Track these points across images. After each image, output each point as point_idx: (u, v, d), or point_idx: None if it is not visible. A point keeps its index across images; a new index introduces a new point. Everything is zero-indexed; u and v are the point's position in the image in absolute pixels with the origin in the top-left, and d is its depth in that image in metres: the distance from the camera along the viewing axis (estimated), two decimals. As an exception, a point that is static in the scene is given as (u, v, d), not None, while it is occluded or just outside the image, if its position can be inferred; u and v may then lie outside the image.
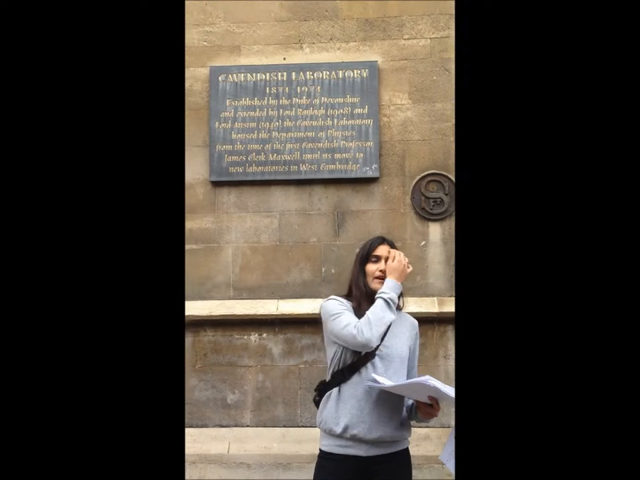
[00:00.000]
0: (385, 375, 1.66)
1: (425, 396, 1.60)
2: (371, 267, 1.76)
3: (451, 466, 1.62)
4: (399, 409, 1.70)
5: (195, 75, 3.05)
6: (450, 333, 2.66)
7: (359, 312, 1.72)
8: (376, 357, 1.68)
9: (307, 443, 2.69)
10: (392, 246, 1.82)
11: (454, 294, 2.83)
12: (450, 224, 2.88)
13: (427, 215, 2.88)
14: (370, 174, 2.92)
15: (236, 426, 2.84)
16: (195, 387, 2.87)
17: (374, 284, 1.75)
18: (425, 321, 2.73)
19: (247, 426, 2.85)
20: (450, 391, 1.52)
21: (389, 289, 1.70)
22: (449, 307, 2.71)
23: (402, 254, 1.74)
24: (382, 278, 1.73)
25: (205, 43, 3.07)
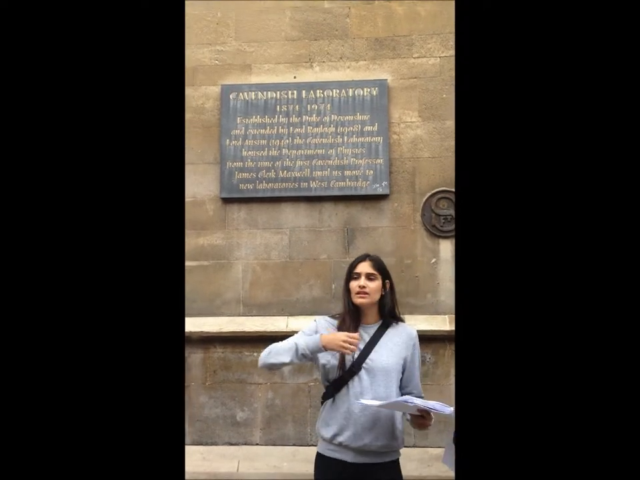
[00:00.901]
0: (371, 387, 1.79)
1: (414, 409, 1.70)
2: (353, 284, 1.89)
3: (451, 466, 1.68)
4: (387, 420, 1.79)
5: (206, 93, 3.09)
6: (461, 352, 2.64)
7: (343, 327, 1.86)
8: (362, 369, 1.81)
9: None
10: (378, 263, 1.93)
11: (465, 312, 2.81)
12: (461, 241, 2.87)
13: (437, 232, 2.87)
14: (380, 191, 2.93)
15: (245, 444, 2.82)
16: (205, 404, 2.86)
17: (355, 299, 1.88)
18: (436, 339, 2.72)
19: (257, 444, 2.83)
20: (435, 405, 1.65)
21: (309, 340, 1.81)
22: (460, 324, 2.69)
23: (351, 335, 1.75)
24: (362, 293, 1.85)
25: (217, 61, 3.11)
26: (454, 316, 2.78)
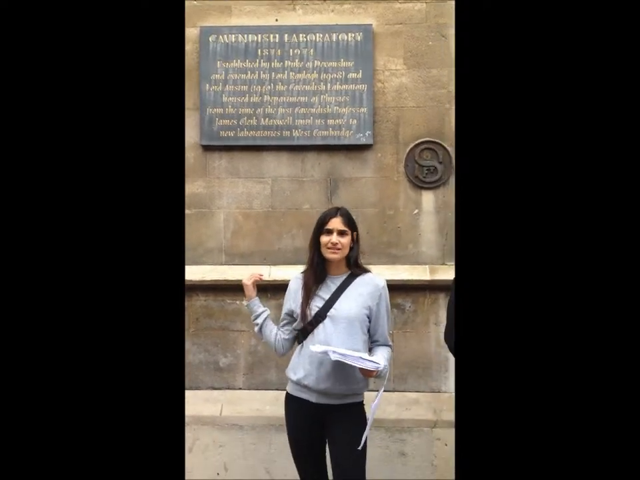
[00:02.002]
0: (334, 335, 1.89)
1: (338, 359, 1.80)
2: (324, 239, 1.95)
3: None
4: (351, 367, 1.87)
5: (185, 36, 2.96)
6: (441, 301, 2.71)
7: (309, 282, 1.96)
8: (327, 318, 1.92)
9: (299, 405, 2.75)
10: (348, 218, 1.98)
11: (445, 262, 2.86)
12: (443, 192, 2.88)
13: (420, 183, 2.87)
14: (363, 141, 2.90)
15: (228, 388, 2.89)
16: (189, 351, 2.90)
17: (327, 254, 1.95)
18: (416, 288, 2.78)
19: (240, 389, 2.90)
20: (356, 361, 1.76)
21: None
22: (441, 274, 2.74)
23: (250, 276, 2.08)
24: (334, 249, 1.92)
25: (195, 2, 2.97)
26: (434, 266, 2.84)
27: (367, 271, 2.02)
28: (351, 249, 1.98)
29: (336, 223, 1.95)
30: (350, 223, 1.98)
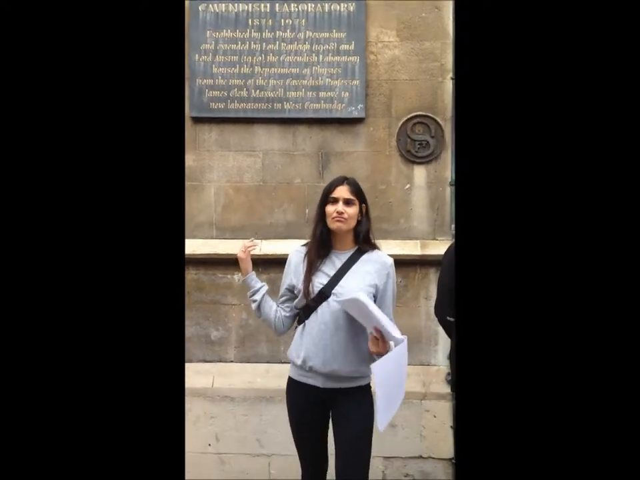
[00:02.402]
0: (340, 313, 1.77)
1: (371, 325, 1.67)
2: (329, 208, 1.83)
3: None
4: (356, 346, 1.80)
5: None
6: (432, 276, 2.72)
7: (311, 254, 1.84)
8: (332, 296, 1.79)
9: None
10: (356, 187, 1.85)
11: (436, 237, 2.87)
12: (435, 167, 2.87)
13: (412, 158, 2.86)
14: (355, 114, 2.87)
15: (220, 361, 2.91)
16: (179, 325, 2.91)
17: (332, 223, 1.82)
18: (407, 263, 2.79)
19: (231, 361, 2.92)
20: (380, 316, 1.60)
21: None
22: (431, 249, 2.75)
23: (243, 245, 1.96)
24: (340, 219, 1.79)
25: (184, -32, 2.88)
26: (425, 241, 2.85)
27: (375, 247, 1.89)
28: (359, 222, 1.84)
29: (342, 191, 1.82)
30: (358, 193, 1.84)
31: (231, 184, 2.95)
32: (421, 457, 2.73)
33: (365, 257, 1.85)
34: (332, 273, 1.82)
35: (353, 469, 1.83)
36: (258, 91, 2.90)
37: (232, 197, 2.95)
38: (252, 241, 2.05)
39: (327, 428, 1.92)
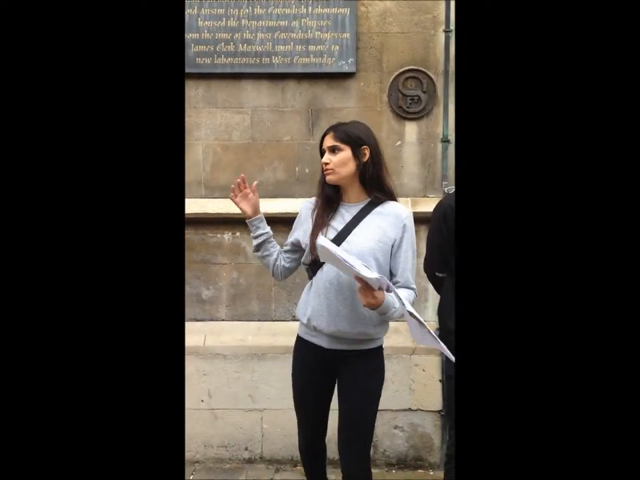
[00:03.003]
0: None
1: (351, 275, 1.55)
2: (322, 160, 1.74)
3: (428, 342, 1.55)
4: (362, 306, 1.65)
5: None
6: (422, 233, 2.71)
7: (317, 215, 1.74)
8: None
9: (281, 335, 2.81)
10: (343, 132, 1.70)
11: (427, 194, 2.85)
12: (427, 123, 2.83)
13: (403, 114, 2.81)
14: (346, 69, 2.80)
15: (211, 320, 2.93)
16: (170, 284, 2.91)
17: (325, 176, 1.74)
18: (397, 220, 2.78)
19: (222, 320, 2.94)
20: (348, 257, 1.46)
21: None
22: (422, 207, 2.74)
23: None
24: (326, 170, 1.71)
25: None
26: (416, 198, 2.83)
27: (391, 198, 1.73)
28: (363, 167, 1.69)
29: (328, 140, 1.70)
30: (345, 137, 1.68)
31: (219, 142, 2.90)
32: (410, 409, 2.79)
33: (378, 209, 1.70)
34: (340, 227, 1.70)
35: (354, 440, 1.75)
36: (245, 44, 2.81)
37: (220, 155, 2.90)
38: (241, 178, 1.86)
39: (331, 395, 1.84)
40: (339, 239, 1.67)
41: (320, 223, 1.72)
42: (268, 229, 1.88)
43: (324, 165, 1.71)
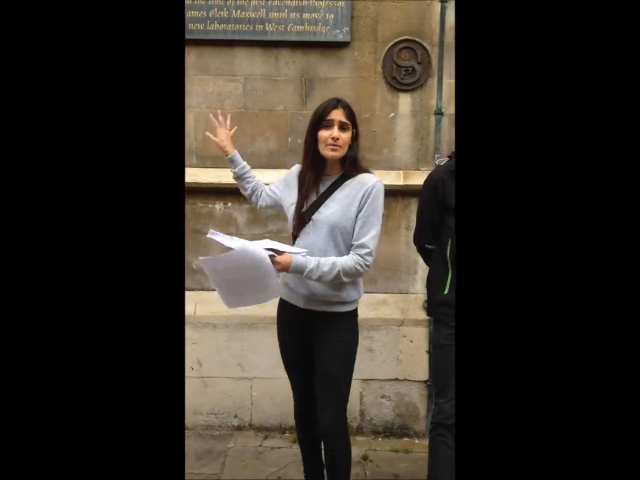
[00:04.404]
0: (315, 241, 1.76)
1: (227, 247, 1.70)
2: (323, 134, 1.72)
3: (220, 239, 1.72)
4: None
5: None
6: (413, 206, 2.72)
7: (304, 178, 1.79)
8: (311, 222, 1.77)
9: (271, 305, 2.77)
10: (351, 111, 1.75)
11: (419, 167, 2.85)
12: (420, 95, 2.81)
13: (397, 85, 2.78)
14: (340, 38, 2.76)
15: (202, 289, 2.93)
16: (161, 253, 2.91)
17: (325, 151, 1.73)
18: (389, 193, 2.75)
19: (213, 290, 2.94)
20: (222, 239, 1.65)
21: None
22: (414, 179, 2.74)
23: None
24: (334, 146, 1.70)
25: None
26: (408, 171, 2.83)
27: (364, 171, 1.79)
28: (350, 147, 1.75)
29: (337, 114, 1.71)
30: (351, 117, 1.74)
31: (211, 110, 2.85)
32: (397, 379, 2.84)
33: (349, 181, 1.77)
34: (314, 198, 1.78)
35: (326, 404, 1.83)
36: (239, 11, 2.76)
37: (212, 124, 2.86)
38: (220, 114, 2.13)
39: (311, 357, 1.88)
40: (312, 210, 1.78)
41: (307, 195, 1.81)
42: (244, 163, 2.09)
43: (333, 140, 1.70)
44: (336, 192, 1.77)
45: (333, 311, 1.81)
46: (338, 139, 1.70)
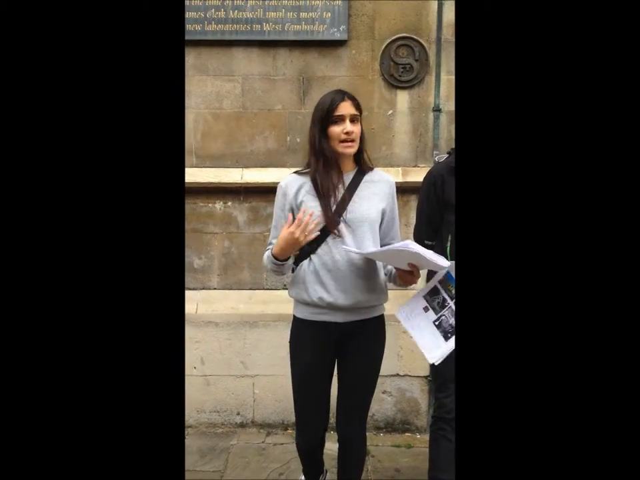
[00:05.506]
0: (353, 241, 1.64)
1: (405, 263, 1.57)
2: (335, 130, 1.62)
3: (407, 325, 1.70)
4: (373, 273, 1.69)
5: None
6: (412, 203, 2.73)
7: (320, 189, 1.64)
8: (341, 223, 1.64)
9: (272, 303, 2.85)
10: (357, 101, 1.67)
11: (418, 164, 2.86)
12: (418, 92, 2.82)
13: (395, 82, 2.79)
14: (338, 36, 2.77)
15: (203, 288, 2.95)
16: (162, 253, 2.92)
17: (340, 148, 1.64)
18: (388, 190, 2.79)
19: (214, 289, 2.96)
20: (432, 256, 1.51)
21: (267, 259, 1.69)
22: (413, 176, 2.75)
23: (298, 219, 1.55)
24: (349, 141, 1.63)
25: None
26: (407, 168, 2.84)
27: (371, 166, 1.76)
28: (361, 139, 1.68)
29: (347, 108, 1.61)
30: (359, 107, 1.66)
31: (209, 110, 2.88)
32: (398, 374, 2.86)
33: (367, 177, 1.71)
34: (338, 196, 1.66)
35: (356, 407, 1.80)
36: (236, 11, 2.77)
37: (211, 124, 2.89)
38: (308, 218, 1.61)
39: (332, 373, 1.81)
40: (339, 209, 1.65)
41: (330, 195, 1.66)
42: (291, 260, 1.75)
43: (346, 135, 1.61)
44: (360, 189, 1.69)
45: (371, 317, 1.75)
46: (351, 132, 1.62)
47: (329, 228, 1.64)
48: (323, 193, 1.64)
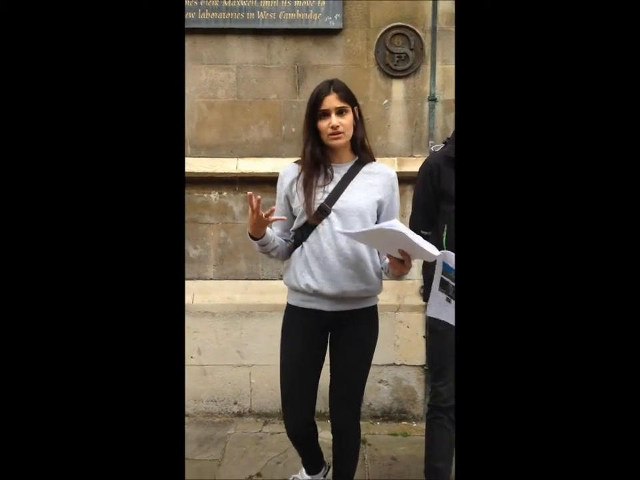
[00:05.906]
0: (344, 230, 1.63)
1: (395, 249, 1.55)
2: (322, 124, 1.64)
3: (445, 317, 1.62)
4: (362, 264, 1.69)
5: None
6: (408, 193, 2.73)
7: (304, 175, 1.67)
8: (332, 212, 1.66)
9: (268, 294, 2.86)
10: (345, 91, 1.66)
11: (414, 154, 2.86)
12: (414, 81, 2.81)
13: (390, 72, 2.78)
14: (332, 24, 2.75)
15: (199, 279, 2.96)
16: (157, 244, 2.92)
17: (329, 141, 1.66)
18: (383, 180, 2.79)
19: (210, 279, 2.97)
20: (420, 241, 1.48)
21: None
22: (409, 166, 2.75)
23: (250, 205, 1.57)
24: (336, 134, 1.63)
25: None
26: (402, 158, 2.84)
27: (373, 158, 1.75)
28: (355, 128, 1.68)
29: (331, 101, 1.62)
30: (348, 97, 1.65)
31: (204, 99, 2.86)
32: (394, 364, 2.88)
33: (366, 168, 1.71)
34: (331, 188, 1.68)
35: (348, 396, 1.81)
36: (230, -1, 2.75)
37: (206, 113, 2.87)
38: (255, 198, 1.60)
39: (323, 362, 1.82)
40: (332, 199, 1.66)
41: (309, 186, 1.68)
42: (271, 235, 1.73)
43: (332, 129, 1.63)
44: (355, 179, 1.69)
45: (360, 307, 1.75)
46: (338, 126, 1.63)
47: (309, 218, 1.67)
48: (304, 185, 1.69)
